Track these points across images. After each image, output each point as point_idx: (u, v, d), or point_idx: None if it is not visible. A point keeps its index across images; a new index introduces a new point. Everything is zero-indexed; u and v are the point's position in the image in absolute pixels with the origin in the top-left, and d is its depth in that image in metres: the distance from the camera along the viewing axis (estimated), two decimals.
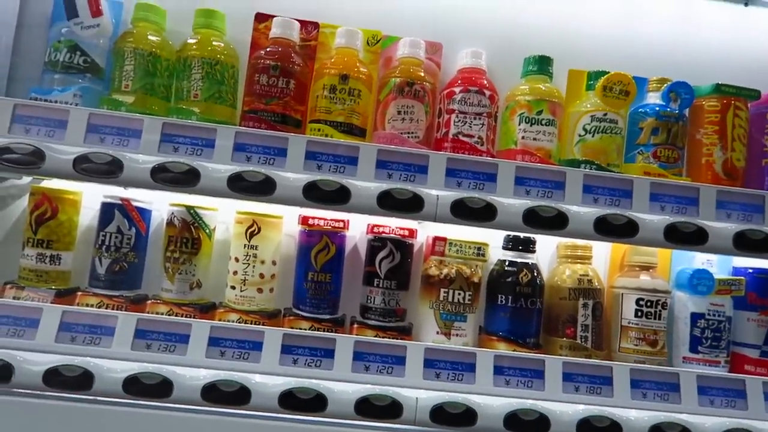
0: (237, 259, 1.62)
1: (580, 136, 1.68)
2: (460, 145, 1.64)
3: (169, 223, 1.64)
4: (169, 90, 1.68)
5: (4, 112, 1.49)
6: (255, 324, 1.56)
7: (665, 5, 1.96)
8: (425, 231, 1.76)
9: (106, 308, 1.56)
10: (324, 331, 1.58)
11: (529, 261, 1.67)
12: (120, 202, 1.62)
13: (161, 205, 1.71)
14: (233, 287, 1.62)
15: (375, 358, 1.50)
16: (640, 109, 1.73)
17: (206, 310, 1.62)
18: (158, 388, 1.41)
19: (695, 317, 1.67)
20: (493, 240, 1.69)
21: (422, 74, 1.68)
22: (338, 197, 1.47)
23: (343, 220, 1.66)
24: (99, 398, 1.42)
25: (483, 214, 1.49)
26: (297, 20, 1.68)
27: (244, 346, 1.48)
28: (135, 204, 1.63)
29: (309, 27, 1.76)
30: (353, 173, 1.51)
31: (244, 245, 1.61)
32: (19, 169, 1.46)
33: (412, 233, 1.69)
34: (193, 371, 1.44)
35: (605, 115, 1.67)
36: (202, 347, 1.47)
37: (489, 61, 1.76)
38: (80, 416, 1.42)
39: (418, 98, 1.65)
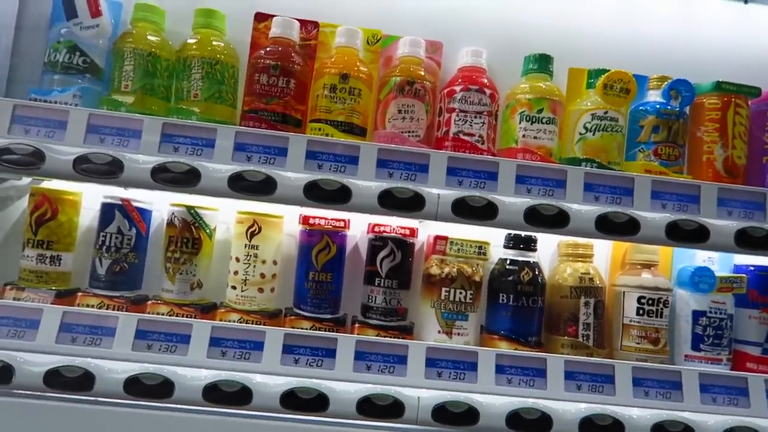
0: (238, 259, 1.61)
1: (580, 134, 1.68)
2: (461, 144, 1.64)
3: (170, 223, 1.63)
4: (168, 90, 1.68)
5: (4, 113, 1.49)
6: (256, 324, 1.55)
7: (665, 3, 1.96)
8: (426, 230, 1.76)
9: (107, 309, 1.55)
10: (325, 330, 1.58)
11: (531, 259, 1.67)
12: (120, 202, 1.62)
13: (161, 205, 1.70)
14: (234, 287, 1.62)
15: (376, 357, 1.49)
16: (640, 107, 1.73)
17: (207, 310, 1.62)
18: (159, 389, 1.41)
19: (697, 315, 1.67)
20: (494, 239, 1.69)
21: (422, 73, 1.67)
22: (339, 197, 1.47)
23: (343, 220, 1.65)
24: (100, 399, 1.42)
25: (484, 213, 1.49)
26: (297, 20, 1.68)
27: (245, 346, 1.47)
28: (135, 204, 1.63)
29: (309, 26, 1.75)
30: (354, 172, 1.51)
31: (245, 245, 1.61)
32: (19, 170, 1.45)
33: (413, 232, 1.69)
34: (194, 371, 1.44)
35: (606, 113, 1.66)
36: (204, 347, 1.46)
37: (489, 60, 1.76)
38: (81, 417, 1.41)
39: (418, 97, 1.64)
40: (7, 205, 1.73)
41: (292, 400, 1.42)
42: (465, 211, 1.49)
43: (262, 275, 1.61)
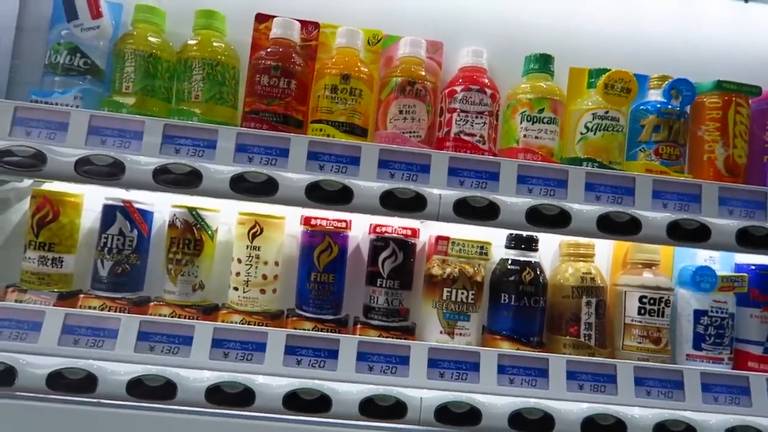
0: (239, 261, 1.61)
1: (581, 134, 1.68)
2: (462, 144, 1.64)
3: (171, 224, 1.63)
4: (169, 91, 1.68)
5: (5, 115, 1.49)
6: (258, 325, 1.55)
7: (666, 2, 1.96)
8: (427, 230, 1.76)
9: (109, 311, 1.55)
10: (327, 331, 1.58)
11: (532, 259, 1.67)
12: (122, 204, 1.62)
13: (163, 206, 1.70)
14: (236, 288, 1.62)
15: (379, 358, 1.49)
16: (641, 107, 1.73)
17: (209, 311, 1.62)
18: (162, 391, 1.41)
19: (698, 314, 1.67)
20: (495, 239, 1.69)
21: (423, 73, 1.67)
22: (341, 197, 1.47)
23: (345, 220, 1.65)
24: (103, 401, 1.42)
25: (486, 213, 1.49)
26: (297, 20, 1.68)
27: (247, 348, 1.48)
28: (137, 206, 1.63)
29: (309, 27, 1.75)
30: (355, 173, 1.51)
31: (247, 246, 1.61)
32: (20, 172, 1.45)
33: (415, 233, 1.69)
34: (196, 373, 1.44)
35: (607, 112, 1.67)
36: (206, 349, 1.46)
37: (490, 60, 1.76)
38: (84, 419, 1.42)
39: (419, 97, 1.64)
40: (8, 207, 1.73)
41: (295, 402, 1.42)
42: (467, 211, 1.49)
43: (264, 276, 1.61)
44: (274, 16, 1.68)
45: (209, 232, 1.65)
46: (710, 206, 1.58)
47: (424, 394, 1.47)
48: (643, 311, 1.65)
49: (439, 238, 1.66)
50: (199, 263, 1.62)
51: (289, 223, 1.69)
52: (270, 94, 1.59)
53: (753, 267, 1.74)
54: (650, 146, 1.69)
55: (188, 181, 1.45)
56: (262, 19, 1.74)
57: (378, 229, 1.67)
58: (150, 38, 1.65)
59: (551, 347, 1.67)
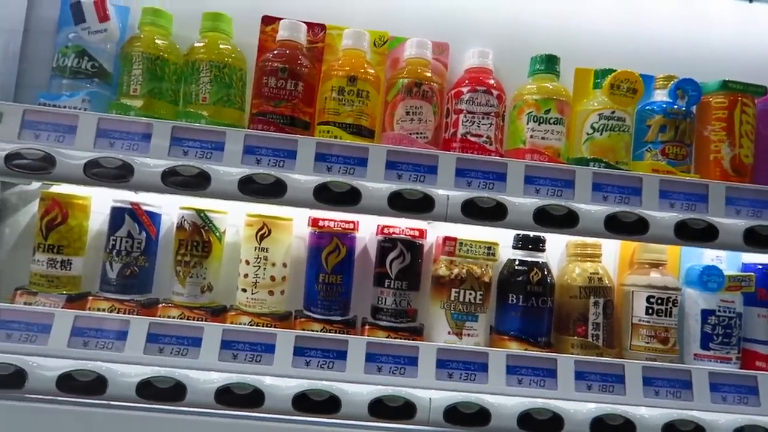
0: (248, 262, 1.62)
1: (588, 134, 1.69)
2: (469, 145, 1.64)
3: (180, 226, 1.64)
4: (176, 94, 1.68)
5: (14, 118, 1.49)
6: (266, 326, 1.56)
7: (670, 2, 1.96)
8: (434, 231, 1.76)
9: (118, 312, 1.55)
10: (335, 332, 1.58)
11: (539, 260, 1.67)
12: (130, 206, 1.62)
13: (171, 208, 1.71)
14: (244, 290, 1.62)
15: (387, 359, 1.50)
16: (647, 107, 1.73)
17: (217, 313, 1.62)
18: (171, 392, 1.41)
19: (706, 314, 1.67)
20: (502, 239, 1.69)
21: (430, 75, 1.68)
22: (349, 198, 1.47)
23: (353, 222, 1.66)
24: (112, 403, 1.42)
25: (494, 214, 1.50)
26: (303, 22, 1.69)
27: (256, 349, 1.48)
28: (145, 208, 1.63)
29: (316, 29, 1.76)
30: (363, 174, 1.51)
31: (255, 248, 1.61)
32: (30, 175, 1.46)
33: (422, 234, 1.69)
34: (206, 374, 1.44)
35: (613, 113, 1.67)
36: (215, 350, 1.47)
37: (496, 61, 1.76)
38: (94, 421, 1.42)
39: (426, 99, 1.65)
40: (17, 210, 1.73)
41: (304, 403, 1.42)
42: (474, 212, 1.49)
43: (272, 278, 1.61)
44: (281, 19, 1.69)
45: (217, 234, 1.65)
46: (717, 206, 1.58)
47: (433, 394, 1.47)
48: (650, 311, 1.65)
49: (446, 239, 1.66)
50: (207, 265, 1.63)
51: (296, 224, 1.70)
52: (277, 96, 1.59)
53: (760, 266, 1.74)
54: (657, 146, 1.70)
55: (197, 183, 1.45)
56: (269, 21, 1.74)
57: (385, 230, 1.67)
58: (157, 41, 1.65)
59: (559, 347, 1.67)
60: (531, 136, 1.67)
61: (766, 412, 1.53)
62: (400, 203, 1.48)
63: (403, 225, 1.67)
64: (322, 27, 1.77)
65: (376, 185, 1.50)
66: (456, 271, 1.63)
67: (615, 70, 1.66)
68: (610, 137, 1.66)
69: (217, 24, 1.67)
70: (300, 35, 1.67)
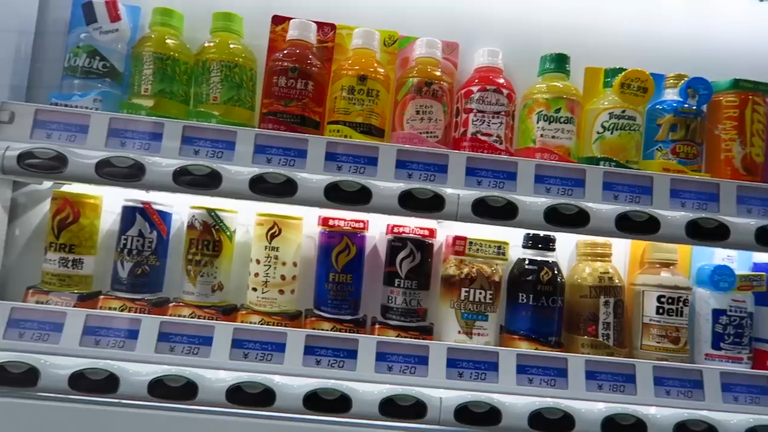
0: (258, 261, 1.62)
1: (598, 133, 1.68)
2: (479, 144, 1.64)
3: (190, 225, 1.64)
4: (187, 93, 1.69)
5: (26, 118, 1.51)
6: (277, 325, 1.56)
7: (680, 1, 1.95)
8: (444, 231, 1.76)
9: (129, 311, 1.56)
10: (345, 331, 1.58)
11: (550, 259, 1.67)
12: (141, 205, 1.63)
13: (181, 208, 1.71)
14: (255, 289, 1.62)
15: (398, 358, 1.50)
16: (657, 106, 1.73)
17: (228, 312, 1.62)
18: (183, 391, 1.42)
19: (717, 314, 1.66)
20: (512, 239, 1.69)
21: (440, 74, 1.68)
22: (360, 198, 1.47)
23: (362, 221, 1.66)
24: (124, 401, 1.43)
25: (504, 213, 1.50)
26: (314, 22, 1.69)
27: (267, 348, 1.48)
28: (156, 207, 1.64)
29: (326, 28, 1.76)
30: (373, 173, 1.52)
31: (265, 247, 1.61)
32: (42, 174, 1.47)
33: (432, 233, 1.69)
34: (216, 373, 1.45)
35: (623, 112, 1.66)
36: (226, 349, 1.47)
37: (505, 60, 1.75)
38: (106, 419, 1.42)
39: (436, 98, 1.65)
40: (27, 210, 1.74)
41: (315, 402, 1.42)
42: (485, 211, 1.49)
43: (283, 277, 1.62)
44: (291, 18, 1.69)
45: (228, 233, 1.65)
46: (728, 205, 1.58)
47: (444, 394, 1.47)
48: (661, 311, 1.65)
49: (456, 238, 1.66)
50: (217, 264, 1.63)
51: (306, 224, 1.70)
52: (287, 95, 1.60)
53: None
54: (667, 145, 1.69)
55: (208, 182, 1.46)
56: (279, 21, 1.74)
57: (395, 230, 1.67)
58: (168, 41, 1.66)
59: (569, 347, 1.67)
60: (541, 135, 1.66)
61: None
62: (411, 202, 1.48)
63: (412, 224, 1.67)
64: (332, 26, 1.77)
65: (386, 184, 1.50)
66: (466, 270, 1.63)
67: (625, 69, 1.65)
68: (620, 136, 1.66)
69: (228, 24, 1.67)
70: (310, 35, 1.67)
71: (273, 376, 1.45)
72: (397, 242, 1.67)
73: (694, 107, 1.70)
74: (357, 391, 1.45)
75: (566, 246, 1.79)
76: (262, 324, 1.57)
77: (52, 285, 1.59)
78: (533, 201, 1.51)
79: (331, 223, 1.64)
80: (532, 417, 1.45)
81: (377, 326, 1.63)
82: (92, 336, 1.46)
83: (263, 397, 1.42)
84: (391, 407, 1.43)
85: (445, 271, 1.67)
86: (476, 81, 1.70)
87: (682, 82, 1.71)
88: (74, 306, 1.54)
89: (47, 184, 1.72)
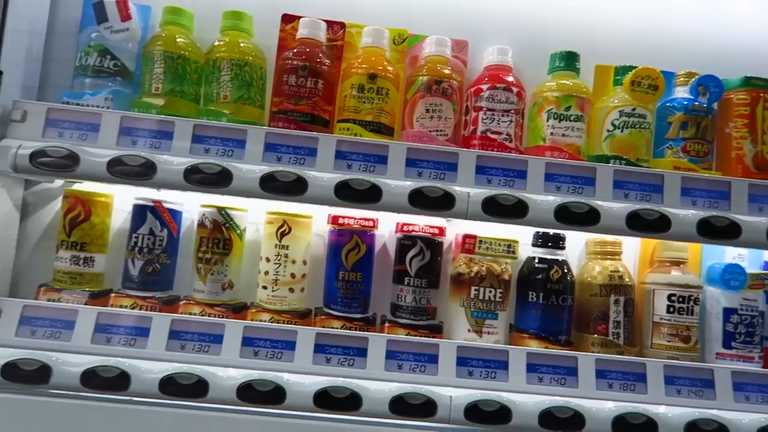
0: (268, 259, 1.62)
1: (608, 131, 1.68)
2: (489, 143, 1.64)
3: (201, 224, 1.65)
4: (197, 92, 1.69)
5: (38, 117, 1.52)
6: (287, 324, 1.56)
7: None
8: (453, 229, 1.76)
9: (140, 309, 1.57)
10: (355, 330, 1.58)
11: (559, 258, 1.67)
12: (152, 203, 1.63)
13: (191, 206, 1.72)
14: (265, 287, 1.63)
15: (408, 356, 1.50)
16: (668, 104, 1.72)
17: (238, 310, 1.63)
18: (194, 388, 1.42)
19: (728, 312, 1.65)
20: (522, 237, 1.68)
21: (449, 72, 1.68)
22: (370, 196, 1.47)
23: (372, 219, 1.66)
24: (135, 399, 1.43)
25: (514, 211, 1.49)
26: (323, 20, 1.69)
27: (277, 346, 1.49)
28: (166, 206, 1.64)
29: (335, 27, 1.76)
30: (383, 172, 1.52)
31: (275, 245, 1.62)
32: (54, 173, 1.48)
33: (442, 231, 1.69)
34: (227, 371, 1.45)
35: (634, 110, 1.66)
36: (236, 347, 1.48)
37: (515, 58, 1.75)
38: (118, 417, 1.43)
39: (446, 96, 1.64)
40: (39, 208, 1.75)
41: (326, 400, 1.43)
42: (495, 209, 1.49)
43: (293, 275, 1.62)
44: (300, 17, 1.69)
45: (238, 232, 1.66)
46: (740, 203, 1.57)
47: (454, 392, 1.47)
48: (671, 309, 1.64)
49: (465, 237, 1.66)
50: (228, 262, 1.63)
51: (315, 222, 1.70)
52: (297, 93, 1.60)
53: None
54: (678, 143, 1.68)
55: (219, 180, 1.46)
56: (289, 19, 1.75)
57: (405, 228, 1.67)
58: (178, 40, 1.66)
59: (579, 346, 1.67)
60: (551, 134, 1.66)
61: None
62: (421, 201, 1.48)
63: (422, 223, 1.67)
64: (342, 25, 1.77)
65: (396, 183, 1.50)
66: (476, 268, 1.63)
67: (635, 67, 1.65)
68: (630, 134, 1.66)
69: (238, 22, 1.68)
70: (320, 33, 1.67)
71: (283, 374, 1.45)
72: (407, 240, 1.67)
73: (705, 105, 1.69)
74: (367, 390, 1.45)
75: (576, 244, 1.79)
76: (272, 322, 1.57)
77: (63, 283, 1.60)
78: (543, 199, 1.51)
79: (341, 221, 1.65)
80: (543, 416, 1.45)
81: (387, 324, 1.63)
82: (103, 333, 1.47)
83: (274, 395, 1.42)
84: (401, 405, 1.43)
85: (455, 270, 1.67)
86: (486, 79, 1.69)
87: (693, 79, 1.70)
88: (85, 304, 1.55)
89: (58, 182, 1.73)
